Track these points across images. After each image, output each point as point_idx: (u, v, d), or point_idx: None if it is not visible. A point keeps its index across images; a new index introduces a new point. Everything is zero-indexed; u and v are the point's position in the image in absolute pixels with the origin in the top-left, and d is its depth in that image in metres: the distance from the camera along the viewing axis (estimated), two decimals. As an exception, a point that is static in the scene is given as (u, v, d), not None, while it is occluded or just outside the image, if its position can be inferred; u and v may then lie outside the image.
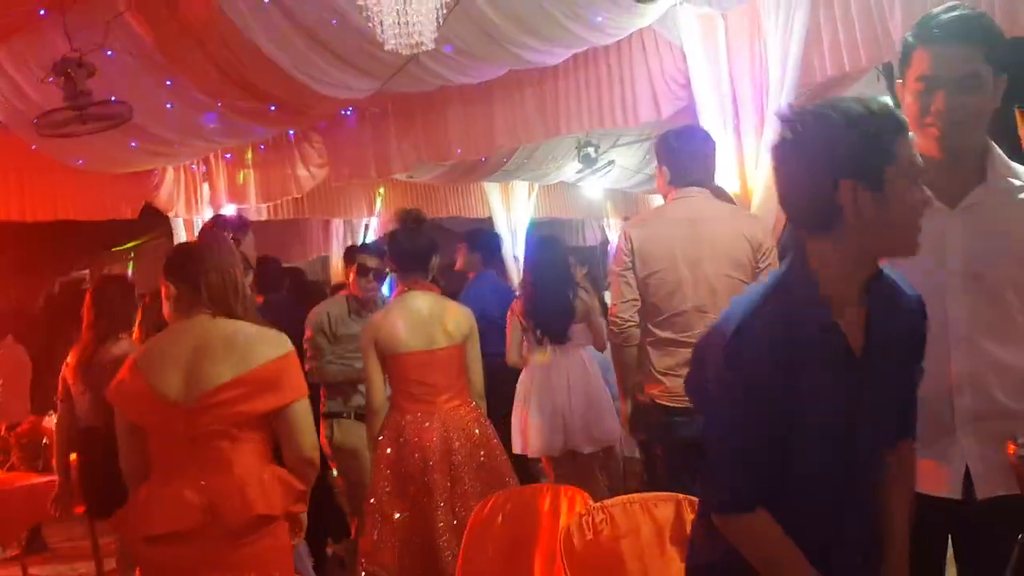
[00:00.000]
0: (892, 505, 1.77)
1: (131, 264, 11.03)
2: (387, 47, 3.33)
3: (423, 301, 3.60)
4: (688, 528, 2.46)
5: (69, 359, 4.24)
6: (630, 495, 2.61)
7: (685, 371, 3.02)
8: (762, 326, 1.60)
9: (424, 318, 3.56)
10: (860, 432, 1.65)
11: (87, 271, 11.34)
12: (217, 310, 2.51)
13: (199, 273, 2.52)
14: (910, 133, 1.64)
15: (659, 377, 3.24)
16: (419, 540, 3.47)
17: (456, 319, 3.63)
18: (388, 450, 3.51)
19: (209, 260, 2.55)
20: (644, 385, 3.32)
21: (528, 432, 4.82)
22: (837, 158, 1.55)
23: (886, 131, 1.57)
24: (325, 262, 10.76)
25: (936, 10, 1.92)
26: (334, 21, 4.19)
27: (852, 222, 1.56)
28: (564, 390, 4.81)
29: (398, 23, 3.24)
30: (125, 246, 10.81)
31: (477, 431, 3.59)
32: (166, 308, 2.63)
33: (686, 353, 3.10)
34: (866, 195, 1.54)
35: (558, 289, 4.87)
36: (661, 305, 3.23)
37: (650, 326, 3.28)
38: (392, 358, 3.52)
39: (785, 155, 1.63)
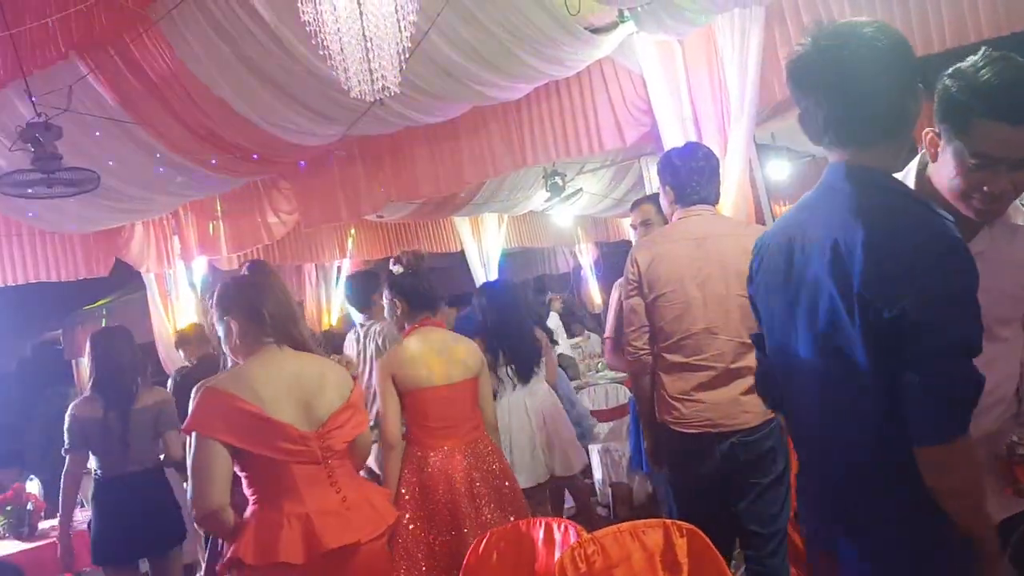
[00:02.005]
0: None
1: (104, 321, 10.91)
2: (352, 94, 3.35)
3: (437, 337, 3.66)
4: (677, 552, 2.48)
5: (76, 412, 4.28)
6: (619, 524, 2.61)
7: (700, 395, 3.05)
8: (943, 229, 1.54)
9: (439, 354, 3.60)
10: None
11: (60, 332, 11.21)
12: (281, 339, 2.63)
13: (261, 304, 2.62)
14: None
15: (672, 403, 3.14)
16: (447, 570, 3.44)
17: (468, 353, 3.69)
18: (409, 487, 3.49)
19: (267, 290, 2.66)
20: (659, 411, 3.21)
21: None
22: (915, 67, 1.64)
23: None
24: (300, 308, 10.71)
25: (991, 76, 1.70)
26: (297, 70, 4.23)
27: (908, 131, 1.65)
28: (535, 424, 4.97)
29: (362, 69, 3.26)
30: (97, 304, 10.71)
31: (496, 466, 3.63)
32: (228, 344, 2.68)
33: (701, 377, 3.07)
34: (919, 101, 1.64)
35: (524, 332, 5.07)
36: (670, 328, 3.13)
37: (660, 351, 3.19)
38: (412, 394, 3.53)
39: (855, 68, 1.61)
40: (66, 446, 4.25)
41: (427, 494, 3.48)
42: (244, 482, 2.60)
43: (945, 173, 1.83)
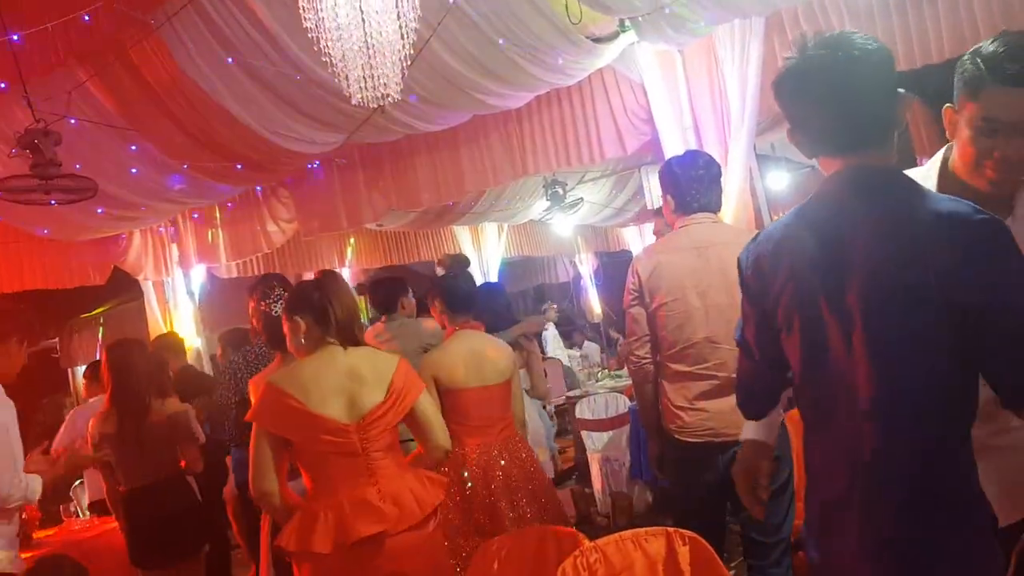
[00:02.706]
0: None
1: (101, 330, 10.90)
2: (353, 101, 3.35)
3: (476, 340, 3.76)
4: (680, 561, 2.46)
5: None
6: (621, 532, 2.59)
7: (702, 404, 3.02)
8: (992, 216, 1.61)
9: (479, 356, 3.70)
10: None
11: (56, 340, 11.19)
12: (344, 339, 2.81)
13: (327, 306, 2.81)
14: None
15: (676, 411, 3.11)
16: None
17: (503, 356, 3.79)
18: (453, 486, 3.58)
19: (334, 293, 2.84)
20: (663, 420, 3.18)
21: None
22: (892, 74, 1.69)
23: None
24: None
25: (1000, 46, 1.79)
26: (298, 77, 4.23)
27: (900, 134, 1.71)
28: None
29: (364, 76, 3.26)
30: (94, 312, 10.68)
31: (524, 454, 3.75)
32: (293, 342, 2.87)
33: (703, 386, 3.05)
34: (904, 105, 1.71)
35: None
36: (672, 337, 3.10)
37: (663, 360, 3.17)
38: (452, 393, 3.64)
39: (853, 71, 1.67)
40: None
41: (465, 495, 3.58)
42: (302, 472, 2.81)
43: (960, 147, 1.89)
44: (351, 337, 2.84)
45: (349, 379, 2.76)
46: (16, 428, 3.42)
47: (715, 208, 3.25)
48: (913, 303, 1.62)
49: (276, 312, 3.66)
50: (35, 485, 3.39)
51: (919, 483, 1.66)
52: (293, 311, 2.86)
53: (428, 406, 2.93)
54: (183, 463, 4.43)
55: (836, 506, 1.81)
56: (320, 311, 2.81)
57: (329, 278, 2.94)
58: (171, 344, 6.13)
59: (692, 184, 3.19)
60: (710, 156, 3.37)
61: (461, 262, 3.92)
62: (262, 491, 2.70)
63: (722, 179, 4.45)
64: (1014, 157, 1.81)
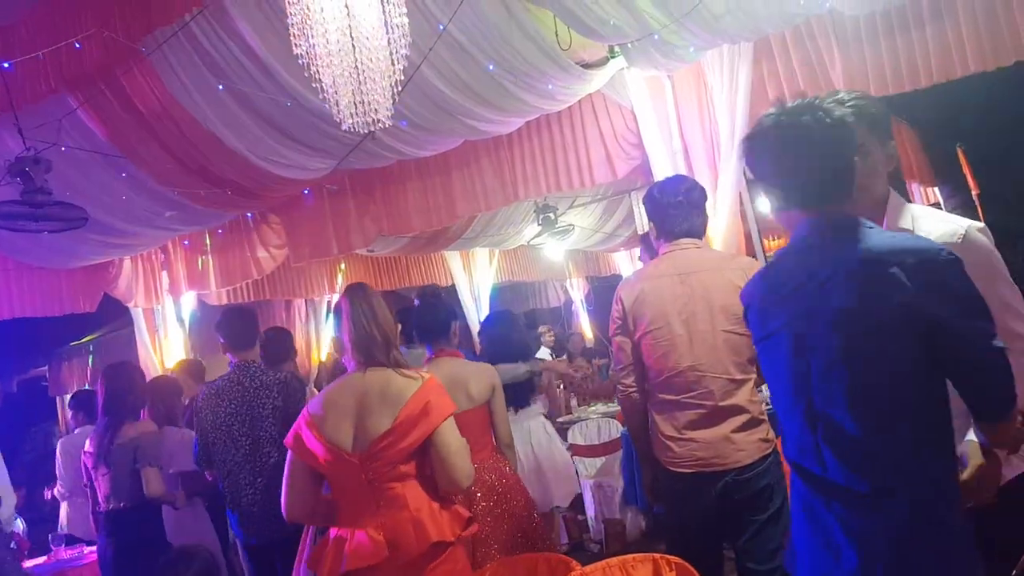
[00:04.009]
0: None
1: (91, 358, 10.83)
2: (344, 126, 3.34)
3: (449, 367, 3.72)
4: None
5: (88, 447, 4.37)
6: (608, 559, 2.57)
7: (691, 434, 3.00)
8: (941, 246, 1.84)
9: (453, 383, 3.58)
10: None
11: (46, 368, 11.11)
12: (365, 359, 2.71)
13: (342, 332, 2.75)
14: None
15: (666, 442, 3.07)
16: None
17: (479, 381, 3.75)
18: None
19: (347, 319, 2.73)
20: (654, 450, 3.14)
21: None
22: (853, 138, 1.94)
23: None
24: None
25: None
26: (288, 103, 4.24)
27: (863, 187, 1.99)
28: (522, 454, 4.98)
29: (354, 102, 3.26)
30: (84, 340, 10.62)
31: (499, 478, 3.69)
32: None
33: (691, 415, 3.01)
34: (862, 164, 1.98)
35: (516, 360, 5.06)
36: (658, 366, 3.06)
37: (651, 389, 3.13)
38: None
39: (814, 140, 1.90)
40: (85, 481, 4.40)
41: None
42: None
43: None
44: (371, 356, 2.70)
45: (359, 404, 2.65)
46: None
47: (699, 233, 3.22)
48: (883, 334, 1.80)
49: None
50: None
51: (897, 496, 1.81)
52: (337, 331, 2.84)
53: (450, 439, 2.64)
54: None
55: None
56: (338, 337, 2.80)
57: (349, 293, 2.82)
58: (193, 369, 6.14)
59: (672, 209, 3.17)
60: (693, 181, 3.35)
61: (429, 292, 3.96)
62: (294, 516, 2.71)
63: (712, 204, 4.47)
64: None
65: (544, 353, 9.34)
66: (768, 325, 2.04)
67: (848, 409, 1.84)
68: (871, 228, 1.91)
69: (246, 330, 4.33)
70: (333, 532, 2.68)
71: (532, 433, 5.18)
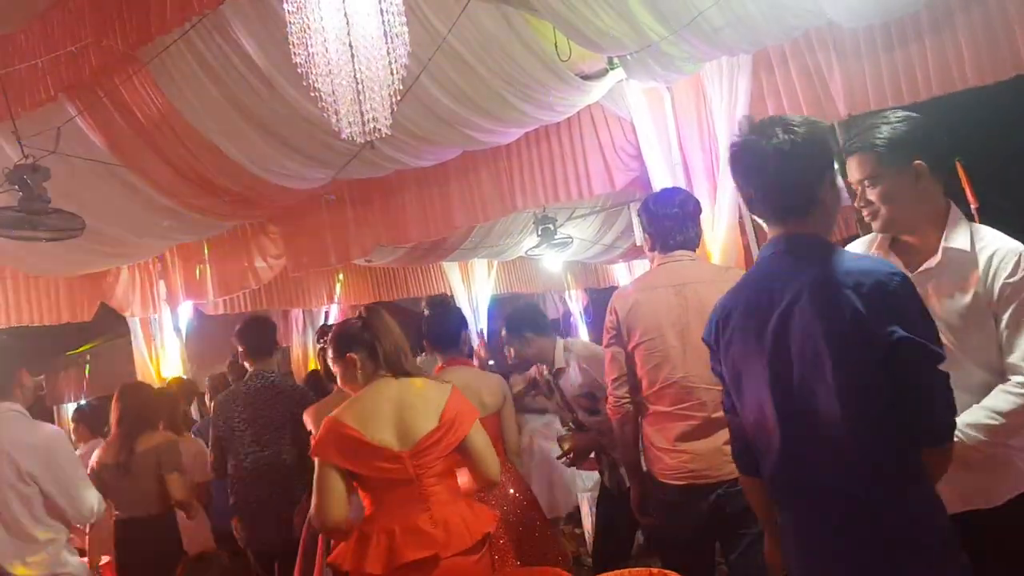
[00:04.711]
0: None
1: (87, 368, 10.80)
2: (343, 135, 3.34)
3: (462, 376, 3.74)
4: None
5: (97, 459, 4.39)
6: (606, 574, 2.57)
7: (684, 446, 3.00)
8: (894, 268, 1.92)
9: (463, 392, 3.66)
10: None
11: (42, 377, 11.07)
12: (393, 370, 2.93)
13: (375, 341, 2.95)
14: None
15: (658, 453, 3.08)
16: None
17: (491, 390, 3.82)
18: None
19: (380, 329, 2.97)
20: (645, 462, 3.15)
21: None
22: (827, 158, 1.99)
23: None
24: (286, 353, 10.62)
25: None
26: (288, 113, 4.23)
27: (826, 208, 2.00)
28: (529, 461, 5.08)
29: (353, 111, 3.25)
30: (81, 349, 10.59)
31: (511, 490, 3.73)
32: (347, 378, 3.01)
33: (683, 427, 3.01)
34: (830, 188, 2.00)
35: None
36: (650, 377, 3.08)
37: (643, 400, 3.14)
38: None
39: (784, 157, 1.95)
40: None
41: None
42: (363, 498, 2.90)
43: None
44: (400, 368, 2.95)
45: (401, 408, 2.85)
46: None
47: (693, 245, 3.25)
48: (842, 354, 1.84)
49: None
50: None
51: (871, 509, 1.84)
52: (346, 350, 2.98)
53: (480, 437, 2.93)
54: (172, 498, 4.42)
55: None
56: (370, 347, 2.95)
57: (374, 315, 3.04)
58: (184, 389, 6.25)
59: (667, 222, 3.20)
60: (687, 193, 3.39)
61: (438, 302, 3.98)
62: (332, 521, 2.77)
63: (711, 216, 4.47)
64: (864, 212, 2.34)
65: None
66: (733, 340, 2.09)
67: (821, 427, 1.86)
68: (831, 247, 1.98)
69: (265, 339, 4.41)
70: (364, 528, 2.80)
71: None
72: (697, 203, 3.32)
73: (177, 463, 4.43)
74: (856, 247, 2.49)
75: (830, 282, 1.86)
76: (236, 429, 4.19)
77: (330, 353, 3.08)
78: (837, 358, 1.83)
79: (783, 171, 1.96)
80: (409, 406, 2.85)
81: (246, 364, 4.46)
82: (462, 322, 4.01)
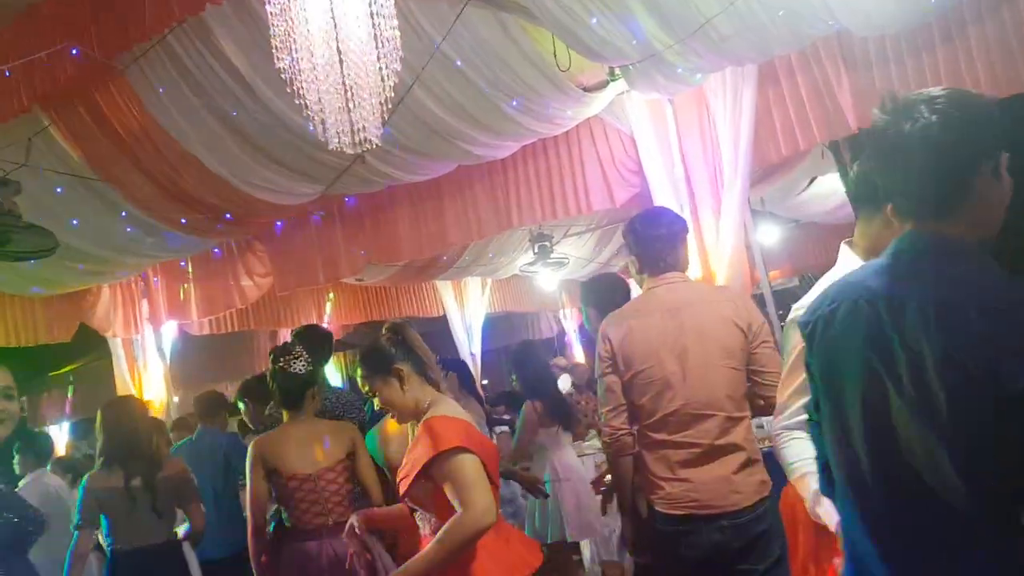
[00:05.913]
0: None
1: (71, 389, 10.59)
2: (330, 147, 3.16)
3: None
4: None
5: (91, 484, 4.08)
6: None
7: (686, 474, 2.85)
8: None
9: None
10: None
11: (24, 399, 10.83)
12: (434, 383, 2.82)
13: (417, 351, 2.82)
14: None
15: (658, 483, 2.92)
16: None
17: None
18: None
19: (416, 341, 2.85)
20: (643, 492, 3.00)
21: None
22: (986, 141, 1.61)
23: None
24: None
25: None
26: (273, 123, 4.07)
27: (984, 204, 1.62)
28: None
29: (341, 121, 3.07)
30: (63, 370, 10.37)
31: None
32: (391, 394, 2.78)
33: (684, 455, 2.87)
34: (991, 179, 1.60)
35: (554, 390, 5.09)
36: (651, 406, 2.93)
37: (643, 429, 2.98)
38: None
39: (928, 144, 1.61)
40: (76, 522, 4.01)
41: None
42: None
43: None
44: (438, 379, 2.89)
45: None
46: None
47: (683, 267, 3.08)
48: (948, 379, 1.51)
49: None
50: None
51: None
52: (391, 362, 2.80)
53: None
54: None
55: None
56: (414, 357, 2.85)
57: (403, 328, 2.94)
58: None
59: (654, 243, 3.03)
60: (674, 213, 3.24)
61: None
62: (493, 518, 2.54)
63: (715, 232, 4.31)
64: None
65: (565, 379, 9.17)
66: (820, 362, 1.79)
67: (936, 450, 1.54)
68: (957, 254, 1.67)
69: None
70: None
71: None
72: (685, 224, 3.19)
73: (197, 492, 4.32)
74: None
75: (955, 303, 1.56)
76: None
77: (364, 371, 2.88)
78: (957, 378, 1.53)
79: (927, 159, 1.65)
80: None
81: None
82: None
